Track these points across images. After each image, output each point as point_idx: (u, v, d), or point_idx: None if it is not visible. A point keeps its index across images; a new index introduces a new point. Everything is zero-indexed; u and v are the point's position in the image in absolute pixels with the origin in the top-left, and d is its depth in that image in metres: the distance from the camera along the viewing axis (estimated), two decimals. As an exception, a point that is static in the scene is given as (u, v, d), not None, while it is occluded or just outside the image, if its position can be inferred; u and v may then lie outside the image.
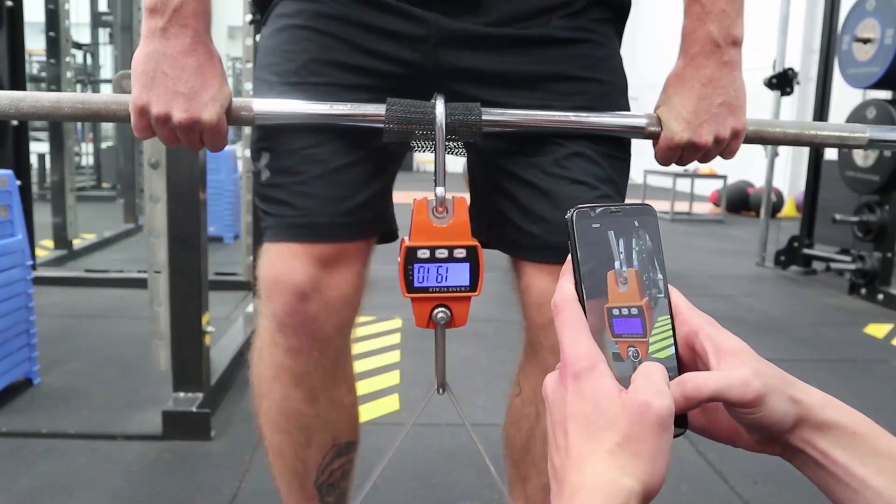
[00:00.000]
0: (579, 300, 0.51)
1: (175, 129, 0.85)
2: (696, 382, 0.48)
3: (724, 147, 0.91)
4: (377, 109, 0.87)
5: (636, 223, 0.52)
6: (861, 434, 0.49)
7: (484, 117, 0.87)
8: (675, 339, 0.52)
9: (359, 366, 2.58)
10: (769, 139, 0.97)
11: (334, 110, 0.88)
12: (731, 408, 0.49)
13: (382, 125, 0.87)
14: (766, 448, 0.52)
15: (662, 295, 0.52)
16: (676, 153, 0.91)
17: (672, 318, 0.53)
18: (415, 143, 0.90)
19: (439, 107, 0.86)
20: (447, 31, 0.90)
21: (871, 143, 0.98)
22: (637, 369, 0.49)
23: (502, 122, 0.89)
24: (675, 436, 0.48)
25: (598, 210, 0.52)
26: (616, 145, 0.96)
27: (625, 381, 0.49)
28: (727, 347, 0.51)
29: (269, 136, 0.93)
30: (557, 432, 0.49)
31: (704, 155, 0.92)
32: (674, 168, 8.75)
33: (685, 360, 0.53)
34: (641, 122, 0.92)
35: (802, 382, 0.51)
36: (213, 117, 0.85)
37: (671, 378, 0.49)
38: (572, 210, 0.52)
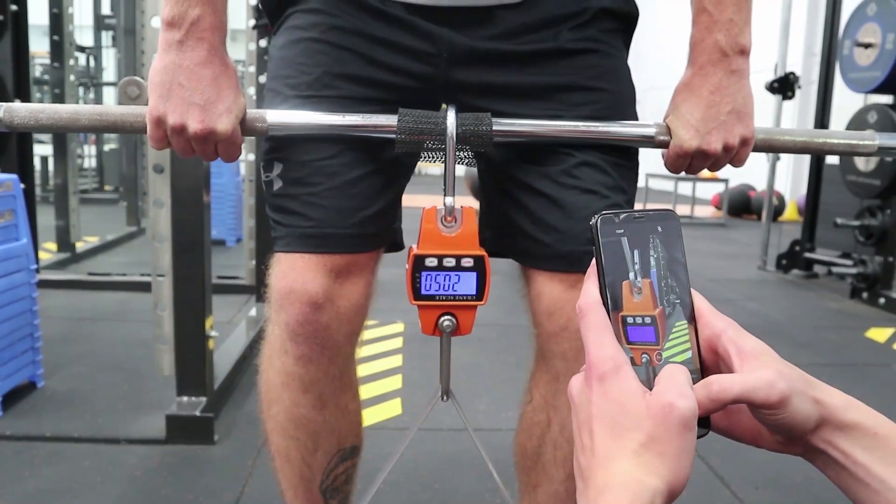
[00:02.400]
0: (604, 304, 0.52)
1: (190, 140, 0.86)
2: (722, 384, 0.49)
3: (734, 155, 0.91)
4: (389, 120, 0.88)
5: (659, 229, 0.53)
6: (882, 435, 0.50)
7: (494, 128, 0.88)
8: (697, 343, 0.53)
9: (361, 370, 2.58)
10: (778, 147, 0.97)
11: (346, 121, 0.89)
12: (756, 409, 0.50)
13: (394, 136, 0.88)
14: (788, 449, 0.53)
15: (681, 300, 0.53)
16: (686, 161, 0.92)
17: (695, 321, 0.54)
18: (425, 154, 0.91)
19: (450, 117, 0.87)
20: (458, 47, 0.91)
21: (881, 151, 0.98)
22: (661, 371, 0.50)
23: (512, 133, 0.90)
24: (699, 437, 0.49)
25: (621, 216, 0.53)
26: (624, 154, 0.97)
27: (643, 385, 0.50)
28: (750, 349, 0.51)
29: (282, 146, 0.94)
30: (583, 433, 0.50)
31: (714, 163, 0.92)
32: (675, 171, 8.74)
33: (707, 363, 0.54)
34: (650, 131, 0.92)
35: (823, 384, 0.52)
36: (228, 128, 0.86)
37: (693, 380, 0.50)
38: (597, 217, 0.53)
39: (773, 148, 0.97)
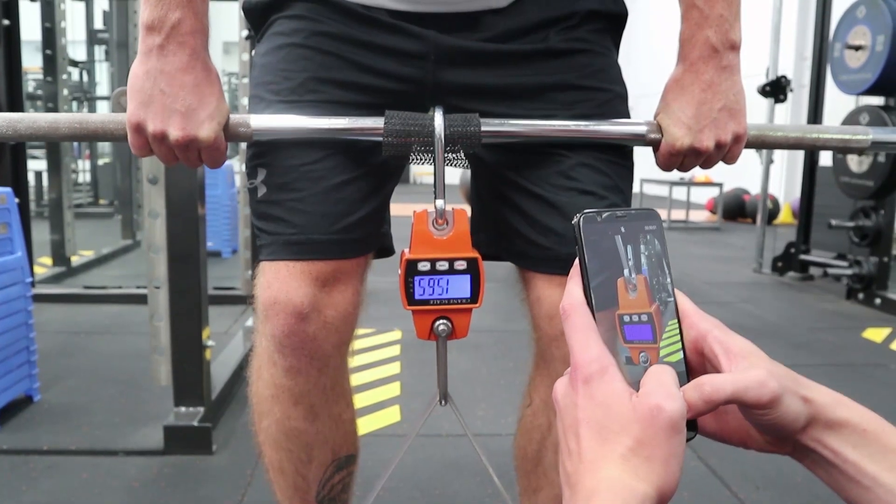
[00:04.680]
0: (588, 304, 0.52)
1: (172, 148, 0.85)
2: (714, 385, 0.48)
3: (726, 152, 0.90)
4: (376, 123, 0.87)
5: (644, 227, 0.53)
6: (872, 432, 0.49)
7: (483, 128, 0.87)
8: (682, 343, 0.52)
9: (359, 378, 2.59)
10: (771, 143, 0.96)
11: (332, 124, 0.88)
12: (748, 409, 0.49)
13: (381, 138, 0.86)
14: (778, 448, 0.53)
15: (671, 298, 0.53)
16: (678, 159, 0.91)
17: (679, 322, 0.53)
18: (414, 157, 0.89)
19: (438, 118, 0.85)
20: (446, 47, 0.91)
21: (874, 146, 0.97)
22: (647, 373, 0.49)
23: (501, 133, 0.89)
24: (687, 440, 0.48)
25: (604, 215, 0.53)
26: (619, 153, 0.96)
27: (636, 386, 0.49)
28: (737, 349, 0.51)
29: (266, 152, 0.92)
30: (569, 437, 0.49)
31: (706, 161, 0.91)
32: (670, 176, 8.79)
33: (693, 365, 0.53)
34: (642, 129, 0.92)
35: (812, 382, 0.51)
36: (211, 135, 0.84)
37: (680, 382, 0.49)
38: (579, 216, 0.53)
39: (766, 144, 0.96)
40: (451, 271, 0.83)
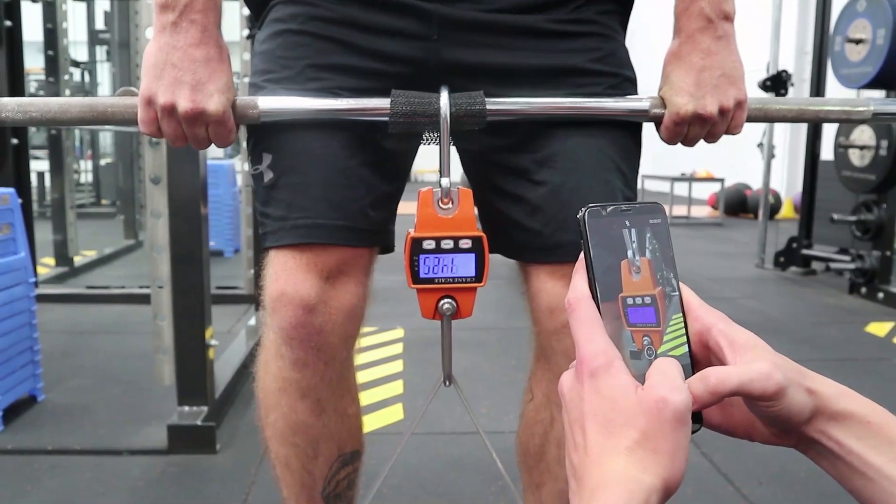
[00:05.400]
0: (593, 298, 0.52)
1: (181, 122, 0.85)
2: (719, 377, 0.48)
3: (730, 120, 0.91)
4: (382, 103, 0.87)
5: (647, 221, 0.53)
6: (876, 423, 0.50)
7: (488, 106, 0.87)
8: (687, 337, 0.52)
9: (361, 376, 2.58)
10: (773, 115, 0.97)
11: (339, 105, 0.88)
12: (753, 401, 0.49)
13: (387, 118, 0.86)
14: (782, 440, 0.53)
15: (676, 293, 0.53)
16: (683, 128, 0.91)
17: (684, 315, 0.53)
18: (427, 137, 0.89)
19: (443, 97, 0.86)
20: (450, 20, 0.89)
21: (875, 117, 0.98)
22: (652, 365, 0.49)
23: (507, 111, 0.89)
24: (692, 432, 0.48)
25: (609, 209, 0.53)
26: (625, 134, 0.96)
27: (641, 379, 0.49)
28: (742, 342, 0.51)
29: (272, 136, 0.92)
30: (575, 431, 0.50)
31: (711, 131, 0.91)
32: (672, 172, 8.77)
33: (698, 358, 0.53)
34: (645, 104, 0.92)
35: (816, 374, 0.51)
36: (219, 108, 0.85)
37: (686, 375, 0.49)
38: (584, 209, 0.53)
39: (768, 116, 0.97)
40: (456, 250, 0.83)
